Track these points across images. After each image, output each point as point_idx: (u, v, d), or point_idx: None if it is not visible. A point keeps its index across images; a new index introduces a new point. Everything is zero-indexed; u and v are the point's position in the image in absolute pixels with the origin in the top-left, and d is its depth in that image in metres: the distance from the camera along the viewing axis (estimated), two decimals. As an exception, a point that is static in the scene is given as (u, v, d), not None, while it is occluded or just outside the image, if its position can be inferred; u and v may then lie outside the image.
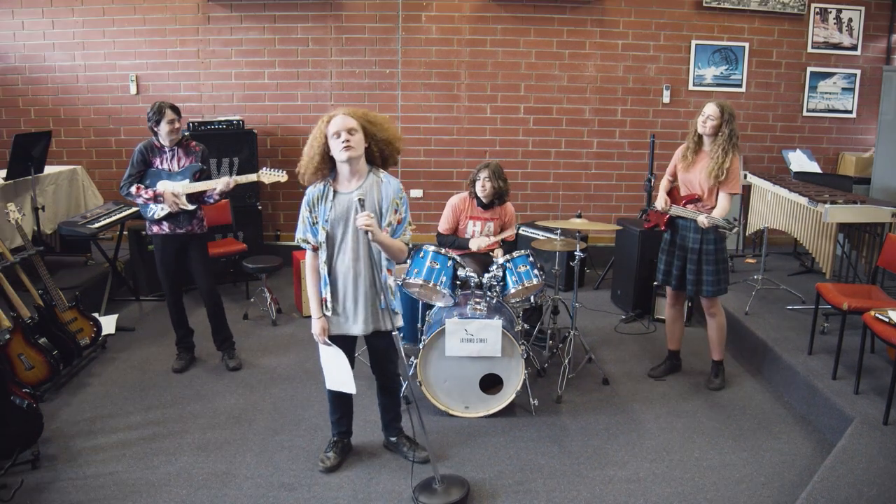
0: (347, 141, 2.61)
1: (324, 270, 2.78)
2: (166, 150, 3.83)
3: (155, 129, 3.77)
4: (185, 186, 3.80)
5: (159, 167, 3.83)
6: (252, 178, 3.89)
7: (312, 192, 2.76)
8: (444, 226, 4.21)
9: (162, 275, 3.99)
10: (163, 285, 4.04)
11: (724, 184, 3.60)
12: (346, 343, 2.87)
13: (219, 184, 3.77)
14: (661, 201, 3.80)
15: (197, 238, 3.95)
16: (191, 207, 3.83)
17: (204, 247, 4.03)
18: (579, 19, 6.21)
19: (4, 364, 3.37)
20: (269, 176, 3.88)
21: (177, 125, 3.77)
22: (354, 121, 2.65)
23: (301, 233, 2.80)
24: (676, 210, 3.72)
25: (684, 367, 4.14)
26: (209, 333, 4.17)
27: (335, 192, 2.73)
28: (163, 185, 3.79)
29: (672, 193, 3.87)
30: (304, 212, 2.77)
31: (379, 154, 2.77)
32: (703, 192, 3.67)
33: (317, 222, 2.75)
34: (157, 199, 3.78)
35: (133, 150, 3.86)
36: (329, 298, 2.79)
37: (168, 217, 3.83)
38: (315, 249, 2.79)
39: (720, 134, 3.61)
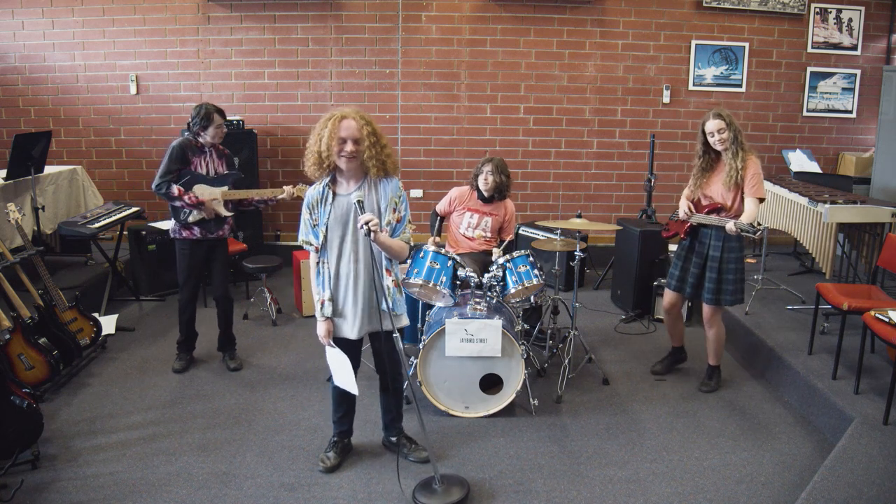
0: (352, 152, 2.62)
1: (324, 271, 2.79)
2: (206, 149, 3.85)
3: (202, 132, 3.78)
4: (246, 193, 3.90)
5: (198, 169, 3.82)
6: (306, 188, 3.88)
7: (312, 194, 2.77)
8: (439, 207, 4.32)
9: (184, 279, 3.94)
10: (183, 289, 3.98)
11: (748, 189, 3.51)
12: (351, 344, 2.87)
13: (283, 193, 3.91)
14: (683, 209, 3.71)
15: (223, 242, 3.99)
16: (228, 214, 3.89)
17: (227, 250, 4.06)
18: (579, 19, 6.21)
19: (4, 364, 3.37)
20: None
21: (224, 129, 3.83)
22: (362, 133, 2.63)
23: (304, 234, 2.81)
24: (698, 218, 3.64)
25: (684, 368, 4.15)
26: (209, 333, 4.17)
27: (334, 194, 2.74)
28: (200, 190, 3.79)
29: (693, 203, 3.77)
30: (304, 214, 2.78)
31: (374, 163, 2.70)
32: (724, 201, 3.60)
33: (317, 224, 2.75)
34: (197, 205, 3.78)
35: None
36: (330, 300, 2.79)
37: (200, 222, 3.83)
38: (317, 251, 2.79)
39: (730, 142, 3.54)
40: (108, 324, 4.50)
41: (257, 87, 6.27)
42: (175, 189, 3.72)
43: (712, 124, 3.52)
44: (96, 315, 4.37)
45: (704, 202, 3.70)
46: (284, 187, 3.91)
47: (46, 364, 3.59)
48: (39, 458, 3.01)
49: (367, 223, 2.52)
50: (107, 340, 4.38)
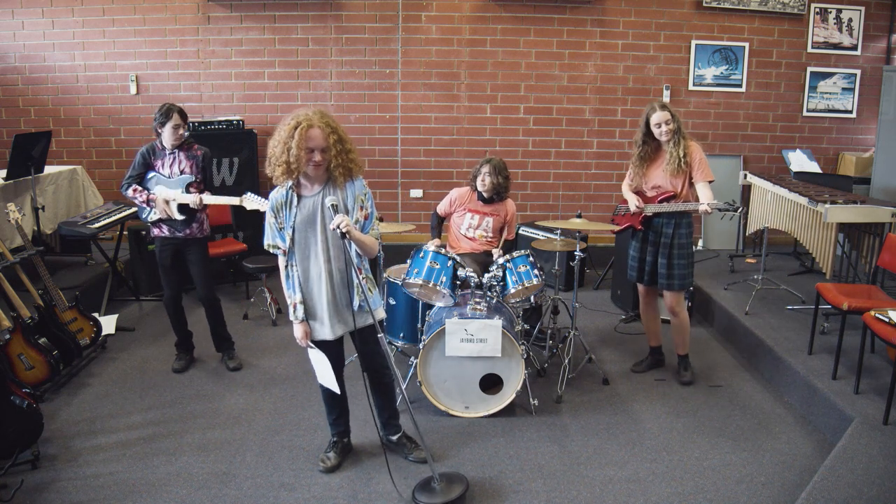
0: (319, 162, 2.64)
1: (293, 274, 2.79)
2: (167, 153, 3.81)
3: (159, 130, 3.74)
4: (175, 196, 3.79)
5: (159, 171, 3.81)
6: (234, 201, 3.78)
7: (276, 197, 2.75)
8: (440, 208, 4.31)
9: (161, 276, 3.99)
10: (164, 287, 4.01)
11: (697, 175, 3.64)
12: (330, 345, 2.86)
13: (188, 199, 3.73)
14: (633, 203, 3.78)
15: (196, 242, 3.92)
16: (180, 217, 3.80)
17: (203, 250, 3.99)
18: (579, 19, 6.21)
19: (4, 364, 3.37)
20: (251, 202, 3.74)
21: (181, 131, 3.76)
22: (329, 141, 2.64)
23: (270, 238, 2.79)
24: (654, 208, 3.73)
25: (684, 367, 4.15)
26: (209, 334, 4.17)
27: (299, 196, 2.73)
28: (158, 191, 3.78)
29: (639, 195, 3.86)
30: (269, 217, 2.76)
31: (340, 171, 2.71)
32: (674, 188, 3.70)
33: (283, 227, 2.75)
34: (149, 203, 3.79)
35: (135, 150, 3.88)
36: (301, 302, 2.78)
37: (165, 220, 3.82)
38: (285, 254, 2.78)
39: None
40: (108, 324, 4.50)
41: (257, 87, 6.27)
42: (130, 190, 3.79)
43: (659, 116, 3.63)
44: (96, 315, 4.36)
45: (652, 192, 3.79)
46: (192, 194, 3.74)
47: (46, 364, 3.60)
48: (39, 458, 3.01)
49: (338, 225, 2.55)
50: (107, 340, 4.38)
